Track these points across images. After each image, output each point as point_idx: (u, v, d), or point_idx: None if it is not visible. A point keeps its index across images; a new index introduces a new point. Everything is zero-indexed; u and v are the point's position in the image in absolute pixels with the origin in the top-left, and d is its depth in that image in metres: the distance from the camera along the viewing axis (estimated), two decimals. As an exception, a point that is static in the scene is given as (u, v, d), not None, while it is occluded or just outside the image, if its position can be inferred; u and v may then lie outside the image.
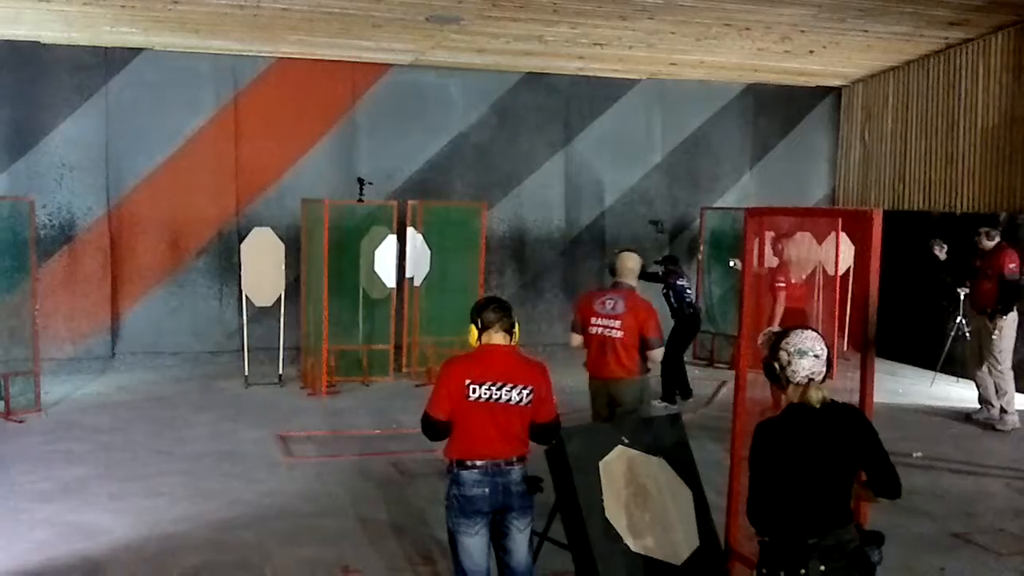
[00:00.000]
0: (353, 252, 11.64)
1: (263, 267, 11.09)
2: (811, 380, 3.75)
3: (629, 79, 14.46)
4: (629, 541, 5.05)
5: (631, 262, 6.90)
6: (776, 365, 3.80)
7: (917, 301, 12.86)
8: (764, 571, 3.73)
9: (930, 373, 12.10)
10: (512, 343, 4.65)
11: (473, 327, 4.63)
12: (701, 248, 13.88)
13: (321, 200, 11.13)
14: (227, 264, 12.82)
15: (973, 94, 12.69)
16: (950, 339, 11.67)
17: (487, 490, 4.50)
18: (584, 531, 5.02)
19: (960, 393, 11.53)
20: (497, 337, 4.60)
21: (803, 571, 3.60)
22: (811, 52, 12.77)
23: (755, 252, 6.02)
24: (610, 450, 5.27)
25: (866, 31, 11.71)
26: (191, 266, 12.84)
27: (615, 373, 6.67)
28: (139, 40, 12.05)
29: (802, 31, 11.61)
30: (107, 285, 12.43)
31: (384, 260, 11.30)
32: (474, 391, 4.48)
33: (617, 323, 6.64)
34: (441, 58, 13.10)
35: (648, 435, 5.50)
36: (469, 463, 4.51)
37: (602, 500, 5.08)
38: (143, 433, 9.09)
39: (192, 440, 8.90)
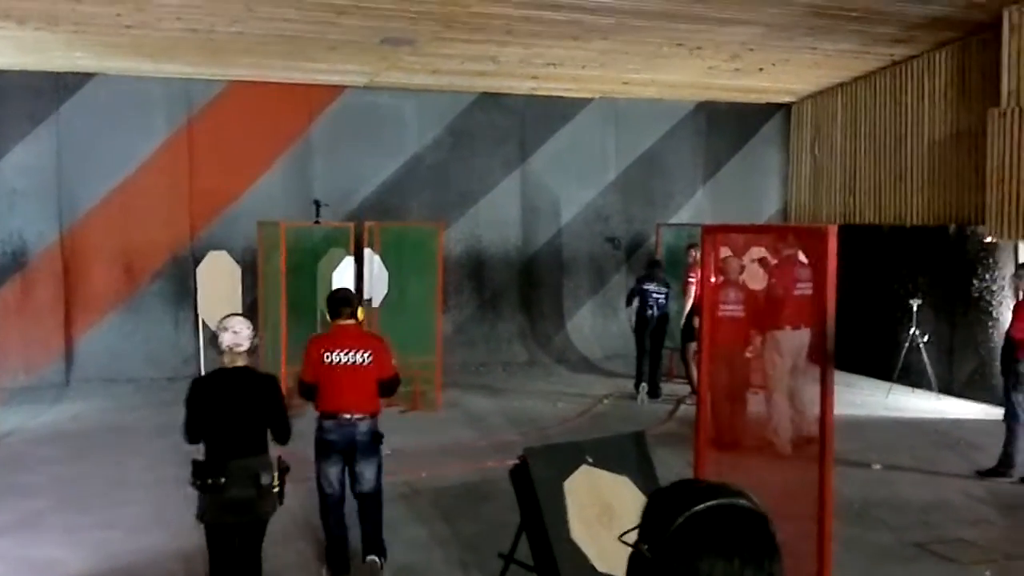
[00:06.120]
0: (310, 274, 11.55)
1: (219, 291, 10.98)
2: (231, 349, 5.18)
3: (582, 98, 14.56)
4: (596, 562, 5.04)
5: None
6: (214, 336, 5.29)
7: (871, 313, 13.04)
8: (200, 481, 5.24)
9: (886, 384, 12.27)
10: (357, 321, 6.36)
11: (326, 312, 6.38)
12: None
13: (277, 222, 11.04)
14: (182, 288, 12.68)
15: (919, 109, 12.92)
16: (905, 350, 11.86)
17: (338, 437, 6.08)
18: (550, 552, 5.01)
19: (916, 403, 11.71)
20: (344, 320, 6.23)
21: (221, 480, 5.17)
22: (761, 70, 12.96)
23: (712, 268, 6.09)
24: (574, 470, 5.27)
25: (814, 48, 11.91)
26: (146, 291, 12.70)
27: None
28: (91, 65, 11.93)
29: (751, 49, 11.78)
30: (60, 312, 12.26)
31: (342, 282, 11.23)
32: (327, 357, 6.10)
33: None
34: (395, 79, 13.11)
35: (612, 453, 5.51)
36: (328, 414, 6.09)
37: (568, 521, 5.08)
38: (98, 463, 8.93)
39: (148, 468, 8.73)
